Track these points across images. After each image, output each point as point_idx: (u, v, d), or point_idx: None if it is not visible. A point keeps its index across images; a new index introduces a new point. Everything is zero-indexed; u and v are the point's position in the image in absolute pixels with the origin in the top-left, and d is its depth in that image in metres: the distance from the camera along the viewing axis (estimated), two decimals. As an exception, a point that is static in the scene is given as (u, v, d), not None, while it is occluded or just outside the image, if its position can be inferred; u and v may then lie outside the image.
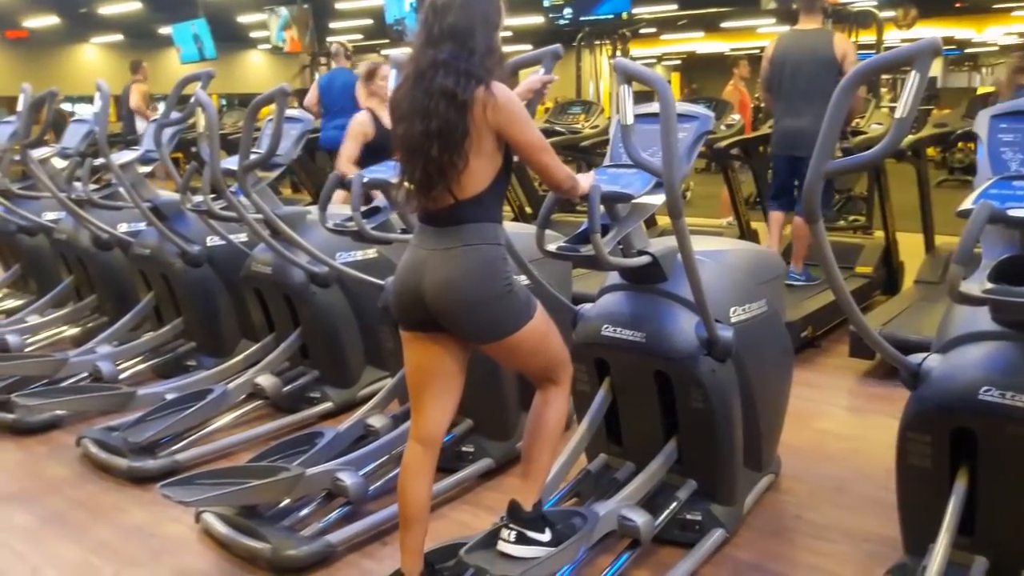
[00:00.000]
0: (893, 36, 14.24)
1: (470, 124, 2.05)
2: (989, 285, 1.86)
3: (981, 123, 2.21)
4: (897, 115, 1.84)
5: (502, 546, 2.27)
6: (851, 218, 7.46)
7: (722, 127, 5.69)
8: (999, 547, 2.22)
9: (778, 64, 4.95)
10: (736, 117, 5.97)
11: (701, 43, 22.37)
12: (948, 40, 19.73)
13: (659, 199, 2.58)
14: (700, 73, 23.98)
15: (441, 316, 2.16)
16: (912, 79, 1.82)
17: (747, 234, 5.82)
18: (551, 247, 2.56)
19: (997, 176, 2.05)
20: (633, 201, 2.55)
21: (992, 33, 18.52)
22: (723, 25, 19.45)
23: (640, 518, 2.50)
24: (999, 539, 2.22)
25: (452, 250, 2.13)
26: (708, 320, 2.50)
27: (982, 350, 2.15)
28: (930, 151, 5.26)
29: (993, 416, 2.07)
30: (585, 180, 2.37)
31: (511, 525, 2.29)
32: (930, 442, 2.22)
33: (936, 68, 22.33)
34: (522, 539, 2.27)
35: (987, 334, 2.15)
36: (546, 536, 2.30)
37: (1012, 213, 1.86)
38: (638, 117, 2.73)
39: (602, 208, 2.49)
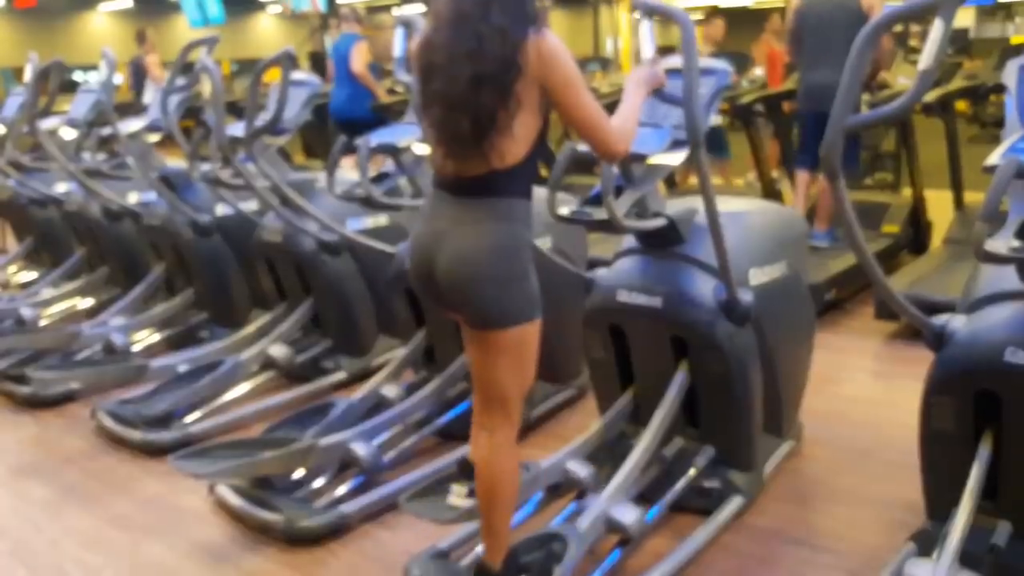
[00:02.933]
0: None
1: (522, 63, 1.85)
2: (1016, 243, 1.78)
3: (1010, 73, 2.10)
4: (920, 67, 1.74)
5: None
6: (878, 176, 7.29)
7: (744, 83, 5.53)
8: (1022, 511, 2.15)
9: (803, 16, 4.79)
10: (759, 72, 5.80)
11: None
12: (980, -12, 19.13)
13: (677, 158, 2.50)
14: (731, 27, 23.45)
15: (448, 291, 2.00)
16: (936, 28, 1.72)
17: (771, 194, 5.69)
18: (564, 211, 2.48)
19: (1027, 129, 1.95)
20: (648, 161, 2.47)
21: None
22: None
23: (629, 516, 2.37)
24: (1023, 503, 2.15)
25: (480, 224, 1.96)
26: (729, 280, 2.42)
27: (1007, 311, 2.07)
28: (960, 105, 5.07)
29: (1018, 378, 2.00)
30: (625, 123, 2.08)
31: None
32: (954, 405, 2.15)
33: (968, 18, 21.71)
34: None
35: (1013, 294, 2.07)
36: None
37: (1043, 168, 1.77)
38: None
39: (616, 169, 2.43)
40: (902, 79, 4.83)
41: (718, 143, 6.13)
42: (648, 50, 2.20)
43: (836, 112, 1.82)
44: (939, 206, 5.25)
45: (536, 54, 1.87)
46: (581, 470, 2.55)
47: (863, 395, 3.59)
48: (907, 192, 5.30)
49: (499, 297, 1.97)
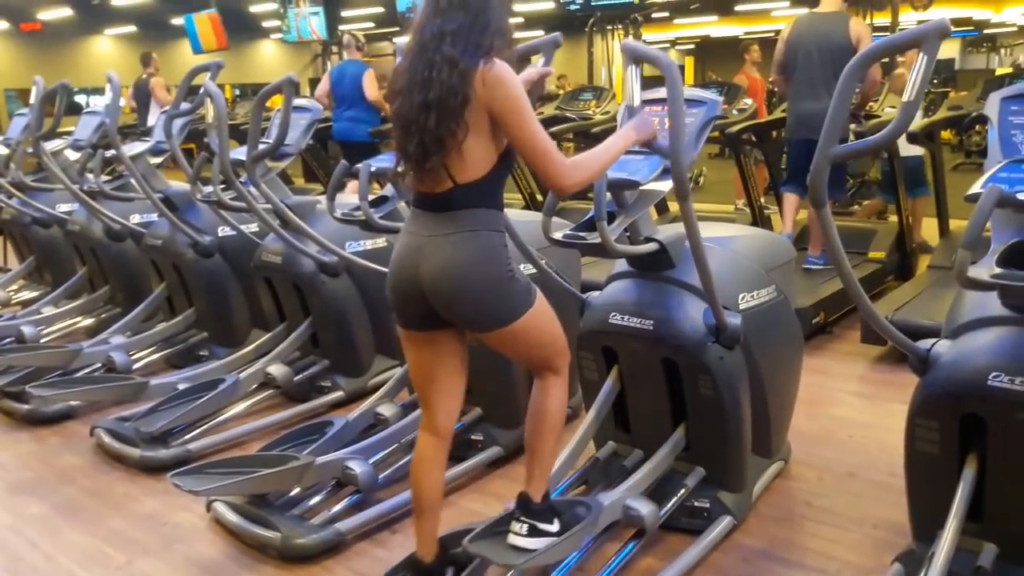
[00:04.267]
0: (909, 17, 14.05)
1: (470, 92, 1.97)
2: (997, 270, 1.84)
3: (992, 105, 2.18)
4: (904, 98, 1.81)
5: (513, 539, 2.25)
6: (864, 203, 7.42)
7: (734, 111, 5.64)
8: (1008, 533, 2.20)
9: (793, 47, 4.92)
10: (748, 101, 5.92)
11: (715, 27, 22.19)
12: (966, 21, 19.46)
13: (667, 185, 2.56)
14: (714, 57, 23.81)
15: (439, 304, 2.11)
16: (919, 61, 1.80)
17: (760, 220, 5.78)
18: (557, 235, 2.55)
19: (1008, 159, 2.02)
20: (640, 188, 2.53)
21: (1010, 14, 18.25)
22: (737, 8, 19.31)
23: (645, 508, 2.48)
24: (1008, 525, 2.20)
25: (452, 236, 2.07)
26: (716, 306, 2.49)
27: (991, 335, 2.13)
28: (946, 134, 5.19)
29: (1002, 402, 2.05)
30: (592, 160, 2.17)
31: (522, 518, 2.26)
32: (939, 428, 2.20)
33: (954, 50, 22.04)
34: (534, 531, 2.25)
35: (996, 319, 2.13)
36: (555, 526, 2.28)
37: (1021, 197, 1.84)
38: (645, 102, 2.72)
39: (609, 195, 2.50)
40: (889, 109, 4.92)
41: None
42: (636, 96, 2.27)
43: (823, 141, 1.89)
44: (925, 233, 5.34)
45: (482, 82, 1.98)
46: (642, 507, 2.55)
47: (849, 417, 3.64)
48: (894, 219, 5.39)
49: (490, 303, 2.09)
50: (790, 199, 5.10)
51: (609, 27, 10.59)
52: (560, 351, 2.28)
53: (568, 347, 2.34)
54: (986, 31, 19.56)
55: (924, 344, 2.23)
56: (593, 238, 2.43)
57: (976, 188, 1.88)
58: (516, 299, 2.13)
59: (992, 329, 2.14)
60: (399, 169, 2.16)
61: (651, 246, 2.59)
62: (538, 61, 2.63)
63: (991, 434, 2.13)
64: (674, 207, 6.48)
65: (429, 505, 2.30)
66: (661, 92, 2.41)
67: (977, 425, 2.16)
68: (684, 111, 2.26)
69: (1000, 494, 2.19)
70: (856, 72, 1.84)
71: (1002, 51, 20.25)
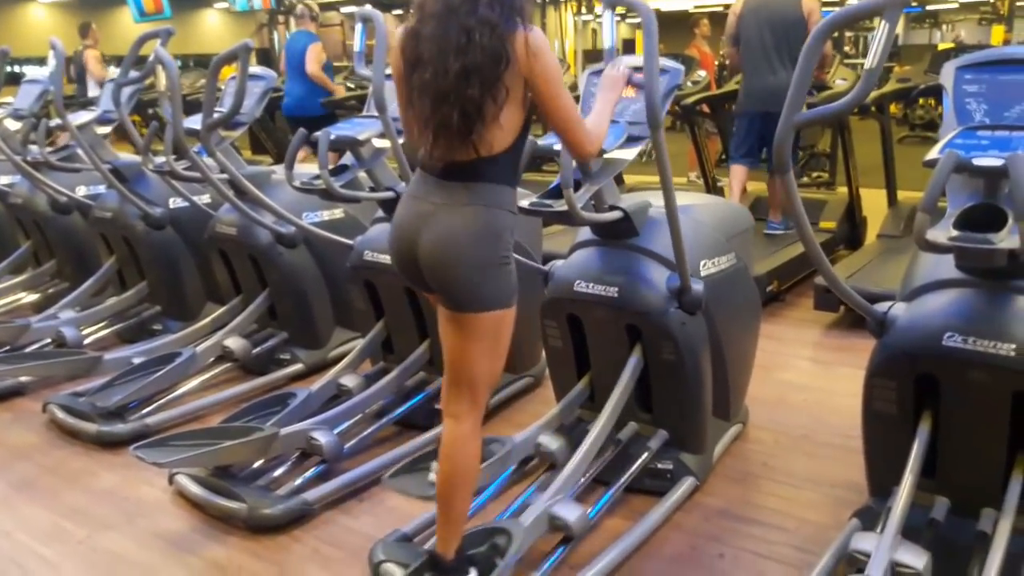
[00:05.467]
0: (854, -7, 14.16)
1: (512, 57, 1.90)
2: (955, 232, 1.90)
3: (947, 74, 2.23)
4: (867, 66, 1.85)
5: None
6: (814, 174, 7.56)
7: (688, 83, 5.69)
8: (959, 488, 2.29)
9: (745, 21, 4.98)
10: (702, 74, 5.98)
11: (665, 0, 22.22)
12: (916, -7, 19.77)
13: (631, 153, 2.60)
14: (665, 31, 23.77)
15: (427, 270, 2.05)
16: (881, 29, 1.84)
17: (712, 191, 5.86)
18: (523, 203, 2.55)
19: (962, 126, 2.08)
20: (605, 156, 2.55)
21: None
22: (687, -18, 19.34)
23: (572, 514, 2.38)
24: (959, 480, 2.29)
25: (464, 207, 2.00)
26: (684, 269, 2.52)
27: (945, 297, 2.20)
28: (892, 108, 5.32)
29: (955, 361, 2.12)
30: (598, 123, 2.20)
31: None
32: (895, 388, 2.27)
33: (898, 26, 22.43)
34: None
35: (950, 282, 2.20)
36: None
37: (977, 162, 1.90)
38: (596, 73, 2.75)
39: (573, 163, 2.51)
40: (840, 81, 5.02)
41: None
42: (608, 41, 2.28)
43: (787, 109, 1.92)
44: (873, 203, 5.47)
45: (524, 47, 1.93)
46: (552, 443, 2.65)
47: (803, 382, 3.74)
48: (843, 190, 5.52)
49: (479, 281, 2.01)
50: (739, 171, 5.18)
51: (562, 0, 10.57)
52: (493, 380, 2.20)
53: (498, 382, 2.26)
54: (928, 7, 19.92)
55: (881, 307, 2.30)
56: (559, 206, 2.45)
57: (933, 154, 1.93)
58: (502, 289, 2.05)
59: (946, 291, 2.21)
60: (422, 139, 2.03)
61: (615, 214, 2.62)
62: None
63: (945, 393, 2.21)
64: (630, 179, 6.53)
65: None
66: (632, 60, 2.44)
67: (932, 384, 2.24)
68: (657, 44, 2.27)
69: (952, 451, 2.27)
70: (821, 39, 1.88)
71: (944, 26, 20.68)
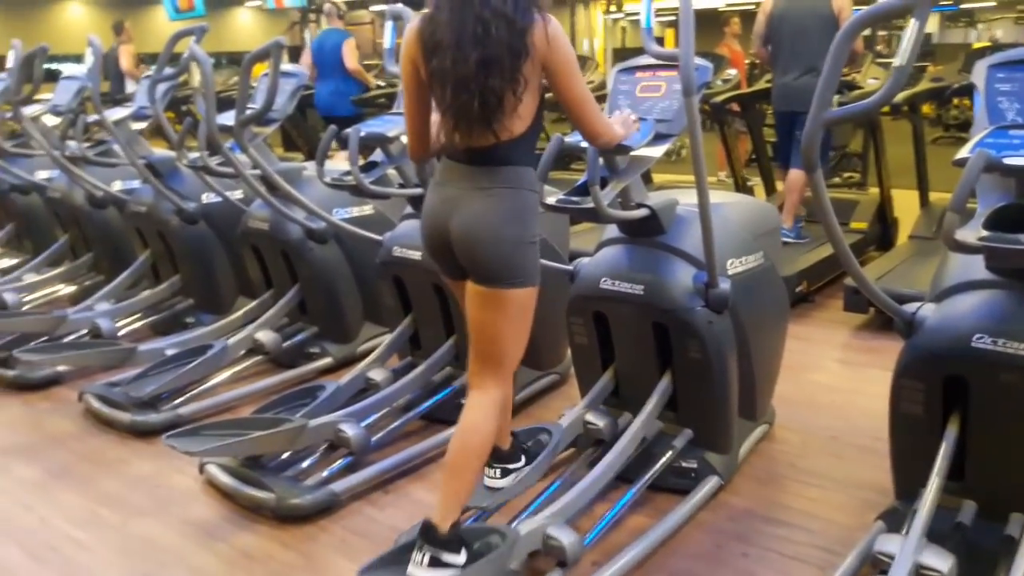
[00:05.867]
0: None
1: (530, 49, 1.97)
2: (984, 232, 1.89)
3: (979, 73, 2.22)
4: (896, 63, 1.84)
5: (413, 569, 2.11)
6: (846, 175, 7.50)
7: (718, 82, 5.67)
8: (987, 491, 2.27)
9: (776, 20, 4.94)
10: (732, 72, 5.95)
11: (695, -1, 22.08)
12: (955, -7, 19.49)
13: (658, 151, 2.60)
14: (696, 29, 23.66)
15: (459, 250, 2.13)
16: (912, 27, 1.83)
17: (742, 190, 5.83)
18: (550, 200, 2.57)
19: (994, 125, 2.07)
20: (632, 153, 2.56)
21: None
22: (718, -20, 19.21)
23: (567, 537, 2.27)
24: (987, 484, 2.27)
25: (490, 190, 2.09)
26: (712, 267, 2.52)
27: (975, 299, 2.19)
28: (925, 108, 5.26)
29: (985, 363, 2.11)
30: (620, 127, 2.33)
31: (424, 547, 2.12)
32: (923, 389, 2.26)
33: (932, 24, 22.12)
34: (435, 563, 2.10)
35: (980, 283, 2.18)
36: (461, 558, 2.13)
37: (1008, 161, 1.88)
38: (635, 68, 2.76)
39: (601, 160, 2.53)
40: (871, 80, 4.97)
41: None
42: (648, 19, 2.28)
43: (815, 107, 1.91)
44: (905, 204, 5.42)
45: (543, 38, 1.99)
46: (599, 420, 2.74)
47: (832, 383, 3.72)
48: (874, 190, 5.46)
49: (510, 256, 2.10)
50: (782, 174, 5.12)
51: (591, -1, 10.57)
52: (518, 355, 2.25)
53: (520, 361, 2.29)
54: (964, 6, 19.62)
55: (910, 307, 2.29)
56: (586, 203, 2.46)
57: (963, 153, 1.92)
58: (527, 266, 2.14)
59: (976, 292, 2.20)
60: (444, 125, 2.11)
61: (642, 211, 2.62)
62: None
63: (973, 395, 2.20)
64: (659, 178, 6.52)
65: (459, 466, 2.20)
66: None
67: (960, 386, 2.22)
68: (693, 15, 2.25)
69: (980, 453, 2.26)
70: (850, 37, 1.87)
71: (979, 26, 20.35)
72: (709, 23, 9.09)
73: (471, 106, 2.00)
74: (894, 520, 2.33)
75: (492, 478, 2.42)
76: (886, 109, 4.88)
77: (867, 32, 8.25)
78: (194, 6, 12.58)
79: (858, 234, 5.17)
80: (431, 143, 2.28)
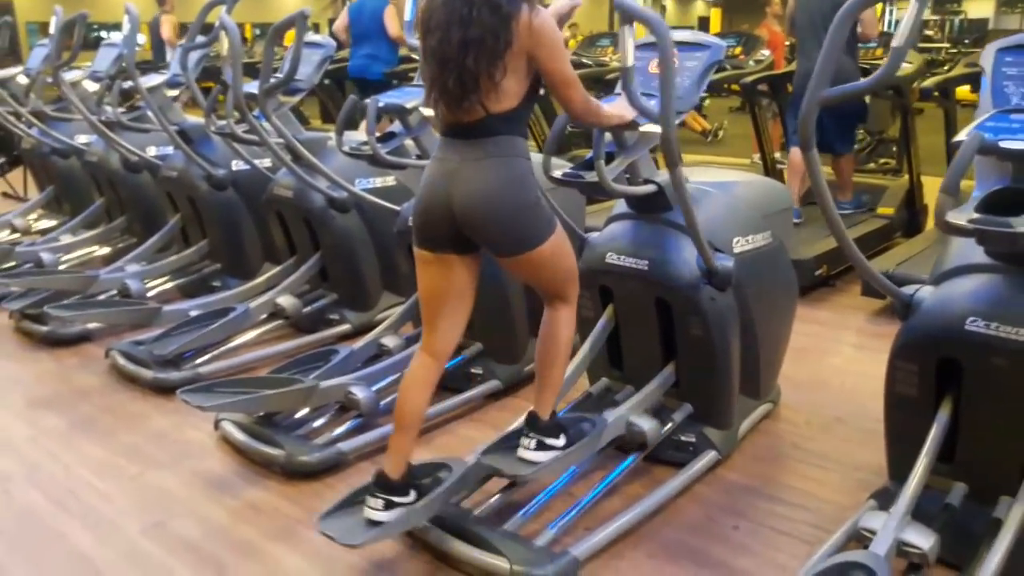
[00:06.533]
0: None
1: (512, 37, 2.05)
2: (976, 215, 1.89)
3: (987, 56, 2.21)
4: (894, 44, 1.85)
5: (522, 452, 2.41)
6: (882, 161, 7.40)
7: (751, 62, 5.63)
8: (977, 474, 2.28)
9: (802, 3, 4.92)
10: (765, 53, 5.90)
11: (743, -21, 21.81)
12: (1001, -20, 19.02)
13: (666, 127, 2.62)
14: (742, 9, 23.44)
15: (470, 227, 2.20)
16: (911, 8, 1.84)
17: (771, 173, 5.79)
18: (556, 173, 2.61)
19: (996, 109, 2.06)
20: (640, 129, 2.58)
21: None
22: (766, -40, 18.92)
23: (647, 424, 2.66)
24: (977, 466, 2.28)
25: (484, 160, 2.17)
26: (705, 251, 2.55)
27: (971, 282, 2.19)
28: (965, 93, 5.16)
29: (977, 346, 2.12)
30: (615, 109, 2.39)
31: (530, 434, 2.41)
32: (917, 371, 2.27)
33: (988, 9, 21.54)
34: (541, 446, 2.41)
35: (977, 266, 2.19)
36: (561, 441, 2.44)
37: (1004, 145, 1.88)
38: (651, 45, 2.77)
39: (609, 136, 2.56)
40: (904, 64, 4.89)
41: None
42: (628, 56, 2.26)
43: (812, 86, 1.93)
44: (936, 191, 5.34)
45: (527, 29, 2.06)
46: (644, 423, 2.71)
47: (843, 366, 3.72)
48: (906, 176, 5.40)
49: (519, 227, 2.20)
50: (795, 152, 5.10)
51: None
52: (572, 279, 2.41)
53: (578, 277, 2.44)
54: (1021, -9, 19.11)
55: (908, 290, 2.30)
56: (591, 177, 2.50)
57: (960, 136, 1.92)
58: (541, 225, 2.25)
59: (972, 276, 2.20)
60: (430, 100, 2.21)
61: (648, 187, 2.65)
62: None
63: (966, 378, 2.21)
64: (689, 158, 6.50)
65: (409, 423, 2.37)
66: (680, 35, 2.48)
67: (954, 369, 2.23)
68: (674, 74, 2.26)
69: (971, 436, 2.27)
70: (846, 20, 1.88)
71: (1036, 12, 19.81)
72: (756, 3, 9.00)
73: (448, 83, 2.11)
74: (886, 500, 2.34)
75: (526, 448, 2.41)
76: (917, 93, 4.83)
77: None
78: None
79: (885, 219, 5.12)
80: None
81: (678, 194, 2.43)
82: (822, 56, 1.93)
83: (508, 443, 2.49)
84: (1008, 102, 2.09)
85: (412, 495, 2.34)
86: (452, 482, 2.41)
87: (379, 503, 2.29)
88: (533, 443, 2.41)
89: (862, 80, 1.93)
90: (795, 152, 5.07)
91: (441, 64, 2.11)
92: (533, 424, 2.44)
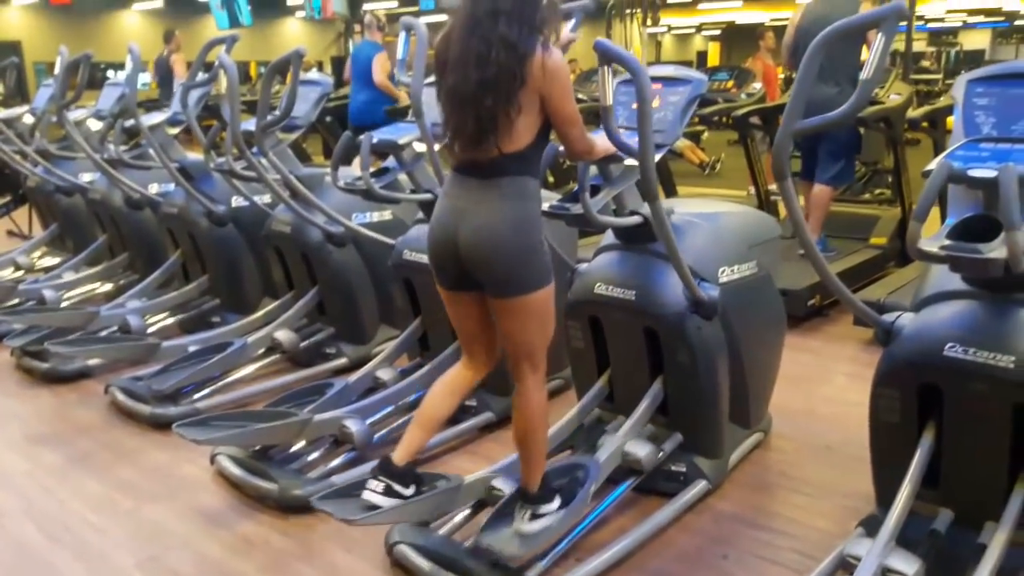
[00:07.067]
0: (934, 7, 13.86)
1: (527, 76, 2.08)
2: (947, 242, 1.93)
3: (959, 86, 2.26)
4: (862, 76, 1.91)
5: (519, 525, 2.37)
6: (877, 191, 7.44)
7: (743, 96, 5.71)
8: (962, 499, 2.30)
9: (803, 32, 4.97)
10: (757, 86, 5.98)
11: (740, 12, 22.10)
12: (996, 11, 19.22)
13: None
14: (740, 43, 23.71)
15: (471, 264, 2.23)
16: (878, 41, 1.89)
17: (766, 206, 5.84)
18: (544, 206, 2.65)
19: (967, 138, 2.11)
20: (625, 163, 2.64)
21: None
22: (762, -6, 19.22)
23: (643, 450, 2.67)
24: (962, 492, 2.30)
25: (494, 201, 2.19)
26: (688, 281, 2.58)
27: (950, 309, 2.22)
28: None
29: (957, 372, 2.14)
30: (600, 142, 2.44)
31: (524, 506, 2.38)
32: (899, 397, 2.30)
33: (984, 40, 21.75)
34: (536, 516, 2.38)
35: (955, 293, 2.22)
36: (556, 504, 2.41)
37: (972, 173, 1.93)
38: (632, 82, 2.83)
39: (595, 169, 2.62)
40: (895, 96, 4.97)
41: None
42: (608, 96, 2.29)
43: (786, 117, 1.99)
44: (929, 221, 5.38)
45: (541, 69, 2.10)
46: (640, 450, 2.73)
47: (835, 395, 3.73)
48: (899, 207, 5.44)
49: (518, 268, 2.21)
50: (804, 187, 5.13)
51: (628, 11, 10.60)
52: (547, 342, 2.37)
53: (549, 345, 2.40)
54: (1017, 22, 19.27)
55: (889, 317, 2.33)
56: (577, 209, 2.55)
57: (931, 165, 1.97)
58: (540, 272, 2.25)
59: (951, 303, 2.24)
60: (444, 138, 2.26)
61: (634, 219, 2.70)
62: (567, 26, 2.74)
63: (947, 403, 2.23)
64: (684, 190, 6.56)
65: (427, 423, 2.48)
66: (658, 71, 2.55)
67: (935, 395, 2.25)
68: (651, 116, 2.28)
69: (955, 461, 2.29)
70: (817, 54, 1.94)
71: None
72: (751, 36, 9.13)
73: (467, 123, 2.14)
74: (873, 527, 2.35)
75: (522, 520, 2.38)
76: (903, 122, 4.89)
77: (901, 47, 8.21)
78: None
79: (877, 249, 5.16)
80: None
81: (656, 227, 2.46)
82: (794, 89, 1.98)
83: (504, 516, 2.43)
84: (979, 131, 2.14)
85: (412, 488, 2.43)
86: (450, 488, 2.47)
87: (380, 486, 2.38)
88: (527, 514, 2.38)
89: (834, 112, 1.97)
90: (819, 187, 5.06)
91: (460, 104, 2.14)
92: (525, 497, 2.40)
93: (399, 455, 2.44)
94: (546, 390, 2.42)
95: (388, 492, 2.39)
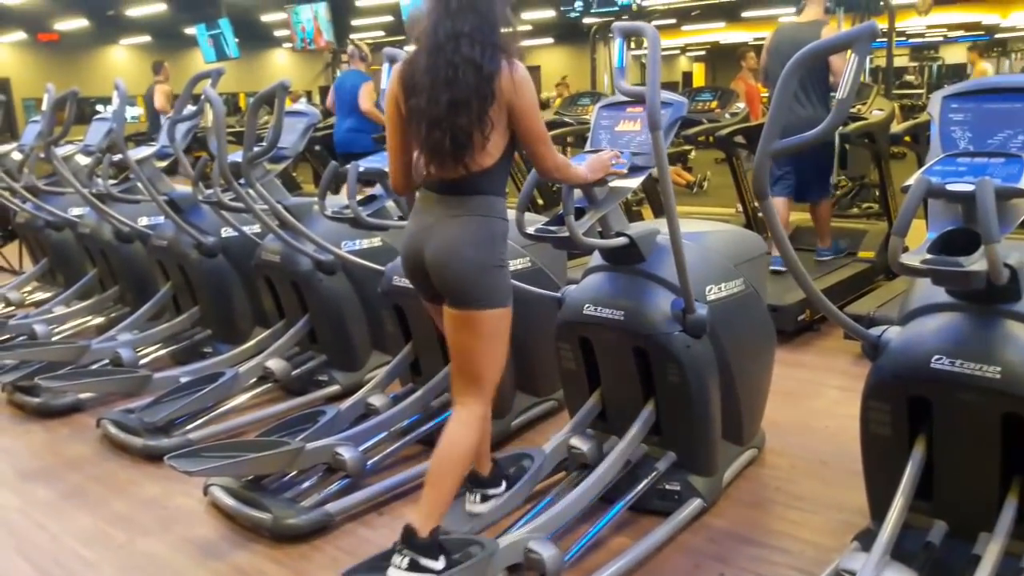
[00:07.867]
0: (915, 23, 14.00)
1: (496, 93, 2.15)
2: (928, 256, 1.96)
3: (935, 103, 2.29)
4: (838, 96, 1.94)
5: (393, 572, 2.21)
6: (864, 205, 7.51)
7: (726, 115, 5.77)
8: (956, 511, 2.30)
9: (773, 55, 5.06)
10: (740, 106, 6.04)
11: (724, 33, 22.33)
12: (976, 25, 19.47)
13: (634, 182, 2.71)
14: (725, 64, 23.94)
15: (433, 274, 2.29)
16: (852, 62, 1.93)
17: (753, 223, 5.88)
18: (529, 229, 2.69)
19: (944, 154, 2.14)
20: (610, 184, 2.67)
21: (1018, 18, 18.24)
22: (744, 15, 19.40)
23: (547, 551, 2.37)
24: (956, 503, 2.31)
25: (461, 217, 2.25)
26: (688, 294, 2.61)
27: (936, 321, 2.24)
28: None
29: (945, 383, 2.16)
30: (582, 169, 2.50)
31: (404, 551, 2.22)
32: (889, 410, 2.31)
33: (964, 55, 21.99)
34: (414, 566, 2.20)
35: (940, 306, 2.24)
36: (440, 564, 2.22)
37: (950, 187, 1.96)
38: (614, 105, 2.87)
39: (579, 192, 2.65)
40: (876, 112, 5.03)
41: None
42: (621, 59, 2.41)
43: (764, 138, 2.01)
44: (915, 234, 5.42)
45: (509, 83, 2.17)
46: (584, 444, 2.83)
47: (827, 409, 3.74)
48: (885, 221, 5.50)
49: (478, 281, 2.24)
50: (776, 203, 5.19)
51: (611, 34, 10.68)
52: (496, 373, 2.37)
53: (499, 379, 2.40)
54: (996, 36, 19.52)
55: (876, 331, 2.35)
56: (562, 232, 2.57)
57: (909, 181, 1.99)
58: (498, 289, 2.29)
59: (936, 315, 2.25)
60: (418, 160, 2.32)
61: (620, 240, 2.72)
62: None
63: (936, 415, 2.25)
64: (647, 214, 6.59)
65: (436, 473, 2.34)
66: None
67: (925, 407, 2.27)
68: (660, 65, 2.39)
69: (947, 473, 2.29)
70: (792, 75, 1.97)
71: (1012, 55, 20.21)
72: (728, 57, 9.21)
73: (443, 143, 2.18)
74: (868, 541, 2.35)
75: (473, 503, 2.51)
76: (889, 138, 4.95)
77: (883, 63, 8.32)
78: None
79: (866, 263, 5.20)
80: (414, 176, 2.43)
81: (668, 222, 2.50)
82: (772, 110, 2.01)
83: (380, 563, 2.27)
84: (956, 146, 2.17)
85: (441, 561, 2.23)
86: (484, 556, 2.28)
87: (404, 561, 2.21)
88: (406, 561, 2.20)
89: (808, 132, 2.00)
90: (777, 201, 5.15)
91: (431, 124, 2.18)
92: (409, 540, 2.22)
93: (422, 523, 2.24)
94: (483, 434, 2.41)
95: (414, 567, 2.19)
